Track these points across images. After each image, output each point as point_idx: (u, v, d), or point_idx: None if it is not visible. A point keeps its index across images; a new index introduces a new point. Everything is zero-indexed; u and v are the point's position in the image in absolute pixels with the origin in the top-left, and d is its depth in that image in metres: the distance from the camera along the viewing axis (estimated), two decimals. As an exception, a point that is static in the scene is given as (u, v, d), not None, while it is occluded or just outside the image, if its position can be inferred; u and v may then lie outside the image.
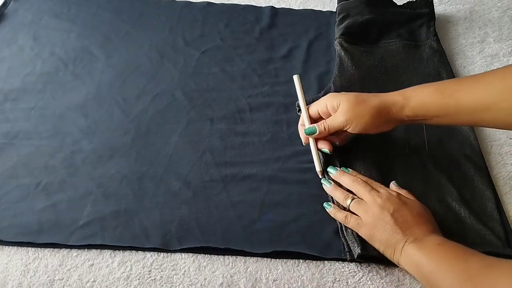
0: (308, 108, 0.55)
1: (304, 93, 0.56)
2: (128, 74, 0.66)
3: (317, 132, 0.52)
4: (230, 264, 0.48)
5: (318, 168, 0.53)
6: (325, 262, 0.48)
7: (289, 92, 0.61)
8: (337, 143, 0.55)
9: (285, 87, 0.64)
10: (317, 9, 0.77)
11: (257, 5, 0.77)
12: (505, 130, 0.60)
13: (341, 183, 0.52)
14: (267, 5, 0.77)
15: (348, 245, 0.48)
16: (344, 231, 0.48)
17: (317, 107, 0.53)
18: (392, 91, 0.50)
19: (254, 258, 0.49)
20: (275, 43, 0.71)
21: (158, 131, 0.59)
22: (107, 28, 0.73)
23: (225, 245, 0.48)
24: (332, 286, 0.47)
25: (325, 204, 0.51)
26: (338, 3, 0.74)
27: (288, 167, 0.55)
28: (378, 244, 0.45)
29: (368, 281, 0.47)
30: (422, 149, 0.57)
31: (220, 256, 0.49)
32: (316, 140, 0.54)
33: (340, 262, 0.48)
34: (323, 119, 0.53)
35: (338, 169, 0.53)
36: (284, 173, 0.55)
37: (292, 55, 0.69)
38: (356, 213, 0.47)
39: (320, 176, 0.53)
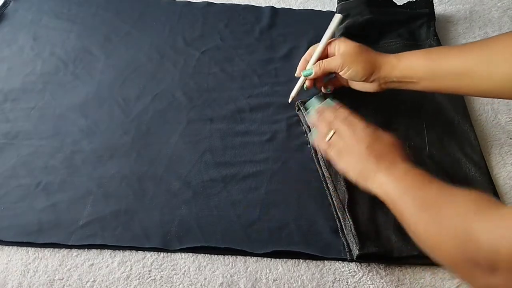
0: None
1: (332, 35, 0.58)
2: (128, 74, 0.66)
3: (313, 74, 0.56)
4: (230, 264, 0.48)
5: (293, 94, 0.60)
6: (325, 262, 0.48)
7: (289, 92, 0.61)
8: (330, 90, 0.60)
9: (285, 87, 0.64)
10: (317, 9, 0.77)
11: (257, 5, 0.77)
12: (505, 130, 0.60)
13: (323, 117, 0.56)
14: (267, 5, 0.77)
15: (348, 244, 0.48)
16: (344, 230, 0.49)
17: (326, 47, 0.57)
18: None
19: (254, 258, 0.49)
20: (275, 43, 0.71)
21: (158, 131, 0.59)
22: (107, 28, 0.73)
23: (225, 244, 0.48)
24: (332, 286, 0.47)
25: (310, 132, 0.56)
26: (338, 3, 0.74)
27: (288, 167, 0.56)
28: (353, 174, 0.49)
29: (368, 281, 0.47)
30: (422, 149, 0.57)
31: (220, 256, 0.49)
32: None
33: (340, 262, 0.48)
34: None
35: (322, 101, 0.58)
36: (284, 173, 0.55)
37: (292, 55, 0.69)
38: (336, 146, 0.51)
39: (290, 100, 0.60)
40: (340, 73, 0.54)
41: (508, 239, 0.31)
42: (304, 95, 0.61)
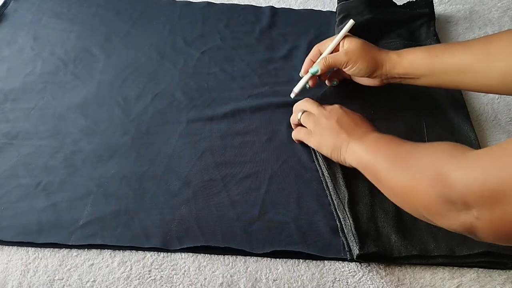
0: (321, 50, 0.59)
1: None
2: (128, 74, 0.66)
3: (319, 71, 0.56)
4: (230, 264, 0.48)
5: (296, 90, 0.59)
6: (325, 262, 0.48)
7: (289, 92, 0.61)
8: (336, 82, 0.62)
9: (285, 87, 0.63)
10: (317, 9, 0.77)
11: (257, 5, 0.77)
12: (505, 130, 0.60)
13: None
14: (267, 5, 0.77)
15: (348, 244, 0.48)
16: (344, 229, 0.49)
17: (331, 43, 0.57)
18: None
19: (254, 258, 0.49)
20: (275, 43, 0.71)
21: (158, 131, 0.59)
22: (107, 28, 0.73)
23: (225, 244, 0.48)
24: (332, 286, 0.47)
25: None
26: (338, 3, 0.74)
27: (288, 167, 0.56)
28: (326, 149, 0.50)
29: (368, 281, 0.47)
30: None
31: (220, 256, 0.49)
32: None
33: (340, 262, 0.48)
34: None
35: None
36: (284, 173, 0.55)
37: (292, 55, 0.69)
38: (306, 126, 0.54)
39: (292, 96, 0.60)
40: (345, 70, 0.55)
41: (480, 176, 0.31)
42: (308, 96, 0.61)
